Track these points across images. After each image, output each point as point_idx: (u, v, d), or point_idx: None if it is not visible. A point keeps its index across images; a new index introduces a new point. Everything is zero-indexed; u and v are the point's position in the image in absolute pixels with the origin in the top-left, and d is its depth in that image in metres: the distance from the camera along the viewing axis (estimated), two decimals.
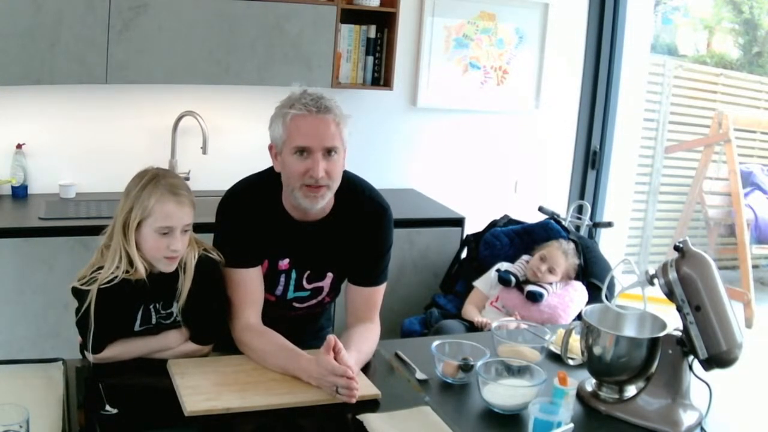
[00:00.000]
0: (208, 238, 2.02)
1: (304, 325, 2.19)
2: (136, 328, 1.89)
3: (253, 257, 1.99)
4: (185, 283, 1.87)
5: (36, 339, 2.99)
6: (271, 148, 1.95)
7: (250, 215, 1.99)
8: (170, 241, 1.80)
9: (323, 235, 2.01)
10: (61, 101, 3.36)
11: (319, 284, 2.09)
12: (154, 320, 1.90)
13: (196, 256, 1.91)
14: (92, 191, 3.43)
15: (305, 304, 2.12)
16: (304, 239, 2.01)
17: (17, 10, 2.92)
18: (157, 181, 1.81)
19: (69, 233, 2.94)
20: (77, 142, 3.43)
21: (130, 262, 1.81)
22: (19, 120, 3.33)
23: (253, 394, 1.72)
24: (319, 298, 2.12)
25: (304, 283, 2.07)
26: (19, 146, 3.32)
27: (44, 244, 2.94)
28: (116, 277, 1.79)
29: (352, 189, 2.03)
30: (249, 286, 1.98)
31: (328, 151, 1.86)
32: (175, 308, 1.91)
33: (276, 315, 2.05)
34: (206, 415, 1.63)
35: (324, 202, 1.93)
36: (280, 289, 2.07)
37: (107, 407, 1.61)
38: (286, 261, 2.03)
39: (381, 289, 2.09)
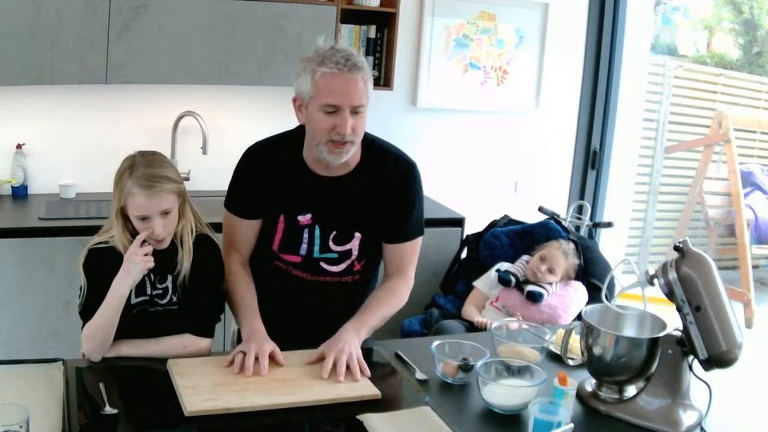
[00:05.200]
0: (216, 237, 2.04)
1: (340, 297, 2.10)
2: (133, 300, 1.90)
3: (251, 210, 2.03)
4: (185, 256, 1.90)
5: (36, 339, 2.99)
6: (295, 100, 1.96)
7: (268, 167, 2.02)
8: (150, 226, 1.85)
9: (347, 191, 2.01)
10: (61, 101, 3.36)
11: (347, 246, 2.05)
12: (148, 290, 1.91)
13: (194, 231, 1.94)
14: (92, 191, 3.44)
15: (335, 268, 2.07)
16: (327, 194, 2.01)
17: (17, 10, 2.92)
18: (132, 171, 1.84)
19: (69, 233, 2.94)
20: (77, 142, 3.43)
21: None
22: (19, 120, 3.33)
23: (253, 394, 1.72)
24: (348, 261, 2.07)
25: (331, 244, 2.04)
26: (19, 146, 3.32)
27: (44, 244, 2.94)
28: (107, 242, 1.87)
29: (377, 148, 2.05)
30: (236, 230, 2.06)
31: (356, 109, 1.88)
32: (169, 282, 1.92)
33: (306, 280, 2.04)
34: (206, 415, 1.63)
35: (347, 157, 1.95)
36: (304, 247, 2.04)
37: (107, 407, 1.61)
38: (308, 216, 2.02)
39: (414, 244, 2.10)
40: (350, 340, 1.89)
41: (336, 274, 2.08)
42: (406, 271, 2.11)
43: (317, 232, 2.03)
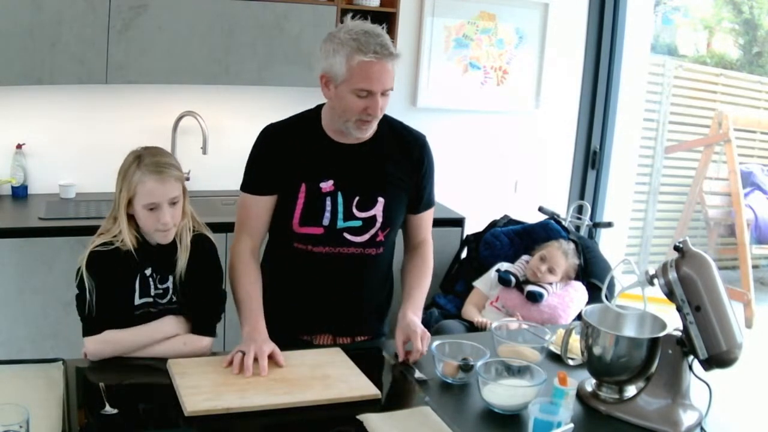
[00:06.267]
0: (213, 237, 2.05)
1: (362, 272, 2.11)
2: (136, 301, 1.90)
3: (270, 184, 2.05)
4: (182, 254, 1.92)
5: (36, 339, 2.99)
6: (322, 77, 1.99)
7: (286, 141, 2.06)
8: (159, 215, 1.87)
9: (366, 156, 2.06)
10: (61, 101, 3.36)
11: (371, 212, 2.06)
12: (152, 291, 1.92)
13: (191, 229, 1.96)
14: (92, 191, 3.44)
15: (359, 238, 2.06)
16: (347, 159, 2.05)
17: (17, 10, 2.92)
18: (140, 161, 1.87)
19: (69, 233, 2.94)
20: (77, 142, 3.43)
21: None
22: (19, 120, 3.33)
23: (253, 394, 1.72)
24: (373, 230, 2.06)
25: (355, 210, 2.05)
26: (19, 146, 3.32)
27: (44, 244, 2.94)
28: (111, 243, 1.87)
29: (389, 121, 2.14)
30: (251, 211, 2.07)
31: (386, 92, 1.98)
32: (170, 283, 1.93)
33: (327, 255, 2.05)
34: (206, 415, 1.63)
35: (372, 131, 2.04)
36: (327, 216, 2.03)
37: (107, 407, 1.61)
38: (330, 183, 2.04)
39: (432, 211, 2.24)
40: (419, 323, 2.01)
41: (359, 245, 2.07)
42: (428, 236, 2.23)
43: (340, 199, 2.04)
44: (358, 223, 2.05)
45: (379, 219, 2.06)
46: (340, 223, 2.04)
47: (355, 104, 1.95)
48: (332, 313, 2.11)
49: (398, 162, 2.09)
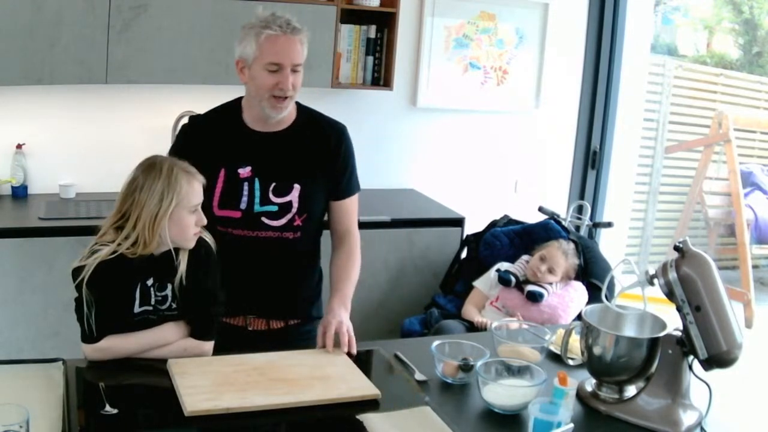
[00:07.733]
0: (210, 237, 2.03)
1: (282, 255, 2.18)
2: (136, 309, 1.89)
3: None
4: (182, 259, 1.92)
5: (36, 339, 2.99)
6: (237, 62, 2.12)
7: (207, 130, 2.18)
8: (198, 217, 1.92)
9: (284, 145, 2.16)
10: (61, 101, 3.36)
11: (287, 198, 2.14)
12: (152, 300, 1.91)
13: None
14: (92, 191, 3.44)
15: (275, 222, 2.15)
16: (265, 147, 2.15)
17: (17, 10, 2.92)
18: (176, 167, 1.89)
19: (69, 233, 2.93)
20: (77, 142, 3.43)
21: (134, 243, 1.85)
22: (19, 120, 3.33)
23: (253, 394, 1.72)
24: (289, 215, 2.15)
25: (271, 196, 2.13)
26: (19, 146, 3.32)
27: (44, 244, 2.94)
28: (116, 252, 1.83)
29: (310, 111, 2.24)
30: None
31: (295, 67, 2.07)
32: (169, 291, 1.92)
33: (246, 238, 2.12)
34: (206, 415, 1.63)
35: (286, 112, 2.12)
36: (244, 201, 2.12)
37: (107, 407, 1.61)
38: (248, 169, 2.13)
39: (355, 199, 2.28)
40: (343, 315, 2.05)
41: (277, 229, 2.15)
42: (352, 226, 2.27)
43: (257, 185, 2.13)
44: (274, 208, 2.14)
45: (295, 205, 2.15)
46: (257, 208, 2.13)
47: (267, 80, 2.05)
48: (260, 295, 2.19)
49: (315, 150, 2.18)
